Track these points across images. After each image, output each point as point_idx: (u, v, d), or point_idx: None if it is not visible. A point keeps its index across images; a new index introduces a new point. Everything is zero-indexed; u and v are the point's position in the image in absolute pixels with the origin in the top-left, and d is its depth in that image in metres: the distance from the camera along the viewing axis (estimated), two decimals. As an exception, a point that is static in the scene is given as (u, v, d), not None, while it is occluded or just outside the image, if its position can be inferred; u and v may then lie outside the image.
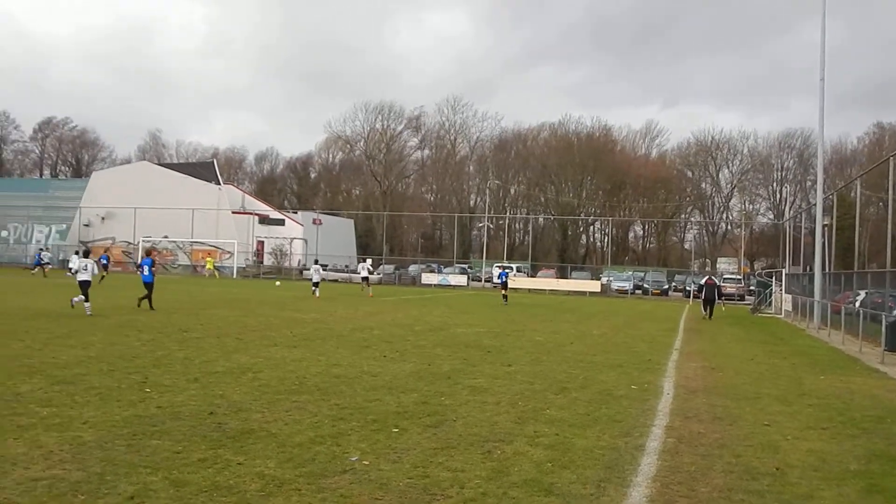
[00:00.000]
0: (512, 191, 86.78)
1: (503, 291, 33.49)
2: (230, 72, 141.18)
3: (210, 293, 30.96)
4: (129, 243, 60.34)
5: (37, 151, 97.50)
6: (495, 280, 44.97)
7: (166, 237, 59.86)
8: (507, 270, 38.22)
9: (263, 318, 19.85)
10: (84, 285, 19.22)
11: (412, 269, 60.01)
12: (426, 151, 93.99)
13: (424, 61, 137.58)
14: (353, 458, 6.26)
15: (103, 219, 64.34)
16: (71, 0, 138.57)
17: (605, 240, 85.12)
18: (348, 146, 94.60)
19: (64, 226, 66.96)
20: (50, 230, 68.13)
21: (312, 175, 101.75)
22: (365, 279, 36.14)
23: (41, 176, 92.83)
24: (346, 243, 73.17)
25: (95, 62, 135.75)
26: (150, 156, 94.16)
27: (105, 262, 39.68)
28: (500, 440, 7.10)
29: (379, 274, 56.15)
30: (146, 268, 21.45)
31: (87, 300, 18.97)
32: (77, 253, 28.31)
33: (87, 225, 65.13)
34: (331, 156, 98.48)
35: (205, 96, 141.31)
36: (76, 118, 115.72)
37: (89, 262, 20.04)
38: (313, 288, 32.54)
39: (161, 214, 59.00)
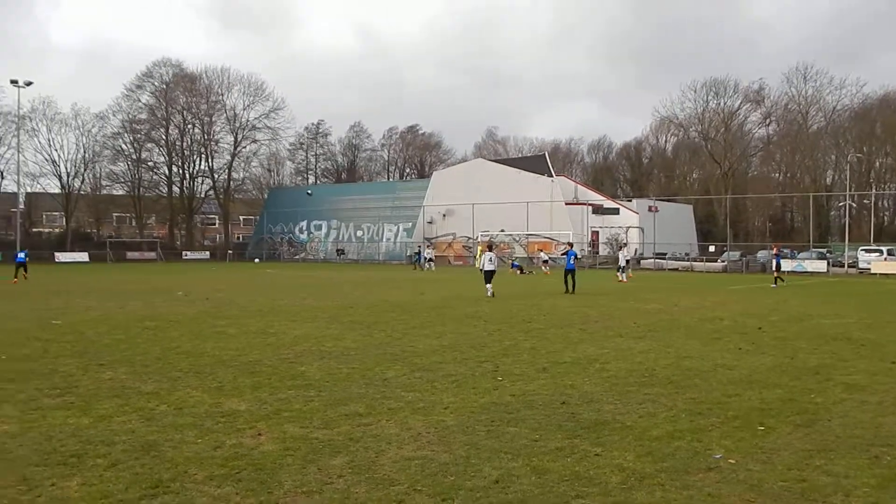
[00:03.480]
0: (877, 164, 76.88)
1: (776, 274, 31.80)
2: (567, 61, 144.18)
3: (546, 283, 31.68)
4: (469, 238, 63.90)
5: (385, 157, 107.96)
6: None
7: (503, 231, 62.36)
8: (782, 253, 35.23)
9: (605, 308, 19.73)
10: (488, 274, 23.05)
11: (761, 255, 55.94)
12: (771, 127, 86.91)
13: (775, 30, 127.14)
14: (717, 456, 5.83)
15: (444, 215, 68.86)
16: (421, 7, 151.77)
17: None
18: (681, 129, 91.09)
19: (410, 224, 72.82)
20: (398, 228, 74.57)
21: (645, 161, 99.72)
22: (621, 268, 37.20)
23: (388, 178, 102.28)
24: (686, 230, 70.46)
25: (443, 67, 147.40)
26: (486, 152, 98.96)
27: (546, 259, 48.57)
28: (889, 445, 6.18)
29: (723, 261, 53.37)
30: (571, 258, 26.12)
31: (488, 283, 22.90)
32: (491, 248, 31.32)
33: (430, 222, 70.12)
34: (663, 139, 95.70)
35: (542, 88, 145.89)
36: (422, 122, 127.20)
37: (493, 255, 23.95)
38: (619, 273, 35.09)
39: (497, 209, 61.32)
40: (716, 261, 54.68)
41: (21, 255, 35.03)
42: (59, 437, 6.21)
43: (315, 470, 5.40)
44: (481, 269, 23.80)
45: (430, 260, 52.28)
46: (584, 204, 65.37)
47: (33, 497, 4.80)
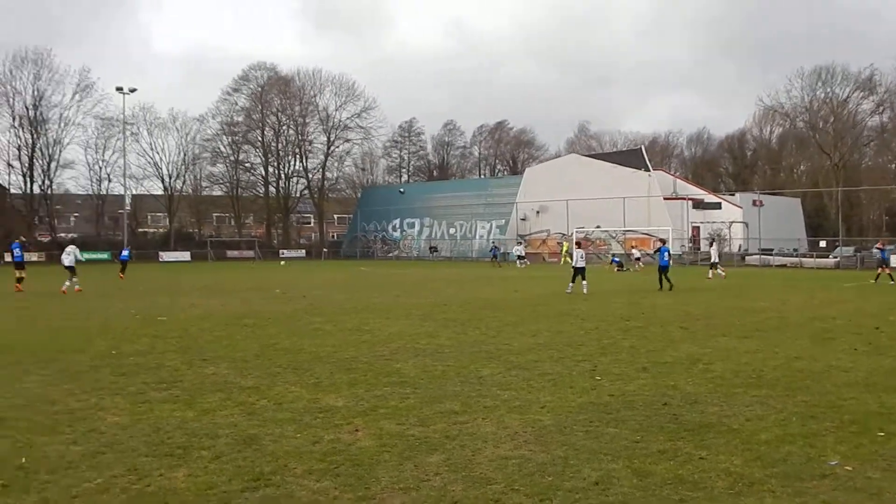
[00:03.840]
0: None
1: (883, 271, 29.96)
2: (663, 52, 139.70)
3: (645, 280, 30.97)
4: (563, 235, 62.95)
5: (476, 154, 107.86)
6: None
7: (598, 227, 61.30)
8: (888, 249, 33.32)
9: (707, 306, 19.10)
10: (578, 271, 23.17)
11: (875, 251, 52.91)
12: (885, 115, 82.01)
13: (885, 12, 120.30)
14: (833, 462, 5.50)
15: (538, 212, 68.13)
16: (512, 2, 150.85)
17: None
18: (787, 118, 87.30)
19: (503, 221, 72.38)
20: (490, 225, 74.33)
21: (748, 153, 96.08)
22: (714, 265, 34.90)
23: (480, 176, 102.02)
24: (794, 225, 67.39)
25: (534, 62, 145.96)
26: (578, 148, 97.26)
27: (638, 257, 46.38)
28: None
29: (835, 257, 50.90)
30: (665, 254, 25.71)
31: (580, 280, 23.01)
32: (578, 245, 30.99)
33: (523, 219, 69.44)
34: (767, 130, 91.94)
35: (637, 81, 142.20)
36: (514, 118, 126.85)
37: (584, 252, 24.31)
38: (714, 270, 33.99)
39: (592, 205, 60.05)
40: (827, 257, 52.17)
41: (125, 252, 36.83)
42: (167, 430, 6.43)
43: (412, 467, 5.39)
44: (573, 266, 23.77)
45: (522, 257, 52.18)
46: (684, 199, 63.47)
47: (143, 486, 4.98)
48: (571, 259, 25.01)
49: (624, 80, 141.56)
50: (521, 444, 5.99)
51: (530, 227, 69.10)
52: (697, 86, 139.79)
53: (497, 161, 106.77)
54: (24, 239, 32.17)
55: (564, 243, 56.89)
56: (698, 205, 63.83)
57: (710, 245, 40.22)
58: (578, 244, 25.40)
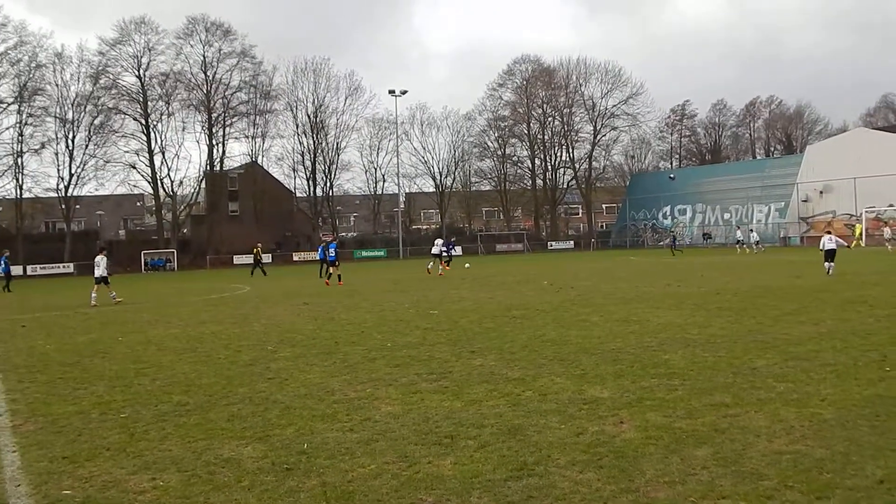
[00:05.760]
0: None
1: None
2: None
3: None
4: (851, 216, 57.29)
5: (750, 133, 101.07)
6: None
7: (892, 206, 55.02)
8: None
9: None
10: (829, 253, 22.56)
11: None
12: None
13: None
14: None
15: (821, 193, 62.73)
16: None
17: None
18: None
19: (782, 203, 67.57)
20: (769, 209, 69.56)
21: None
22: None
23: (754, 157, 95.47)
24: None
25: (823, 30, 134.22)
26: (879, 121, 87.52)
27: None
28: None
29: None
30: None
31: (827, 261, 22.45)
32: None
33: (805, 200, 64.55)
34: None
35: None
36: (793, 92, 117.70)
37: (833, 236, 23.52)
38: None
39: (884, 182, 54.55)
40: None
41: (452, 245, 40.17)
42: (435, 419, 6.81)
43: (678, 460, 5.28)
44: (821, 249, 23.25)
45: (758, 243, 50.36)
46: None
47: (412, 473, 5.33)
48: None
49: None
50: (798, 439, 5.63)
51: (813, 208, 64.01)
52: None
53: (771, 139, 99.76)
54: (337, 238, 37.92)
55: (857, 225, 51.95)
56: None
57: None
58: (829, 230, 24.93)
